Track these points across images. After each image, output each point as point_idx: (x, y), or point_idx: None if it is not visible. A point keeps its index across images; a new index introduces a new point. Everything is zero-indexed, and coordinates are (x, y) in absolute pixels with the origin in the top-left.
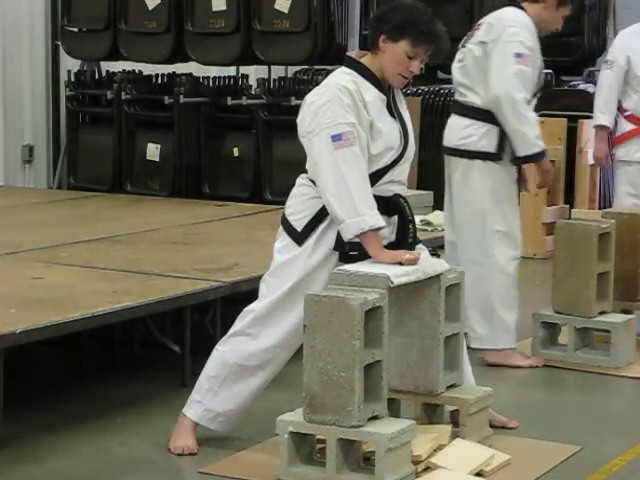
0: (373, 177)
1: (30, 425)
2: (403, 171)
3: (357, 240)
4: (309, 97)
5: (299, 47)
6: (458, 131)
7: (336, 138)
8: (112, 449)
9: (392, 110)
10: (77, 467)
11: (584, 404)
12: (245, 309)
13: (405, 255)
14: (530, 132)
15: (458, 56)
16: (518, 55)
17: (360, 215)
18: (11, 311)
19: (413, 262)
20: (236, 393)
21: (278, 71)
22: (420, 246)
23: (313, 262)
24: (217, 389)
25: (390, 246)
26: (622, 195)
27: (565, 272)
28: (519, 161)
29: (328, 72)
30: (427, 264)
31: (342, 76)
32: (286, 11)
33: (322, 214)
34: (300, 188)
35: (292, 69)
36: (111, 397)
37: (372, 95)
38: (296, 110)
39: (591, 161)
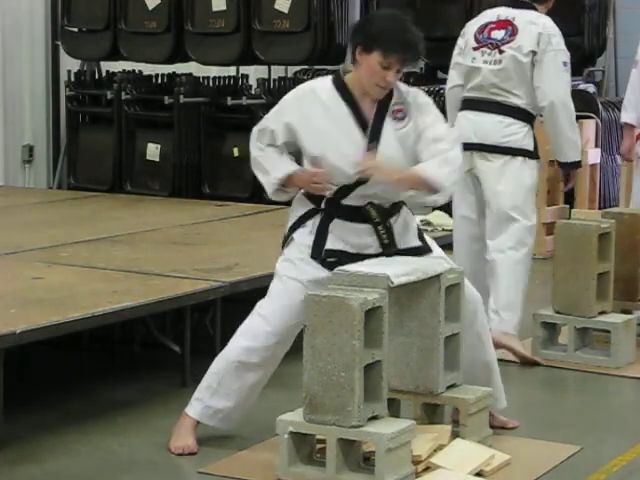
0: (340, 192)
1: (30, 425)
2: (375, 188)
3: (334, 248)
4: None
5: (299, 47)
6: (500, 129)
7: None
8: (112, 449)
9: (366, 128)
10: (77, 467)
11: (584, 404)
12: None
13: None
14: (579, 140)
15: (485, 57)
16: (565, 64)
17: (270, 174)
18: (11, 311)
19: (322, 178)
20: (235, 390)
21: (278, 71)
22: (431, 241)
23: (300, 267)
24: (216, 386)
25: (378, 255)
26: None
27: (565, 272)
28: (566, 166)
29: (328, 72)
30: (427, 264)
31: (316, 81)
32: (286, 11)
33: (301, 220)
34: None
35: (292, 69)
36: (111, 397)
37: (333, 102)
38: None
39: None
